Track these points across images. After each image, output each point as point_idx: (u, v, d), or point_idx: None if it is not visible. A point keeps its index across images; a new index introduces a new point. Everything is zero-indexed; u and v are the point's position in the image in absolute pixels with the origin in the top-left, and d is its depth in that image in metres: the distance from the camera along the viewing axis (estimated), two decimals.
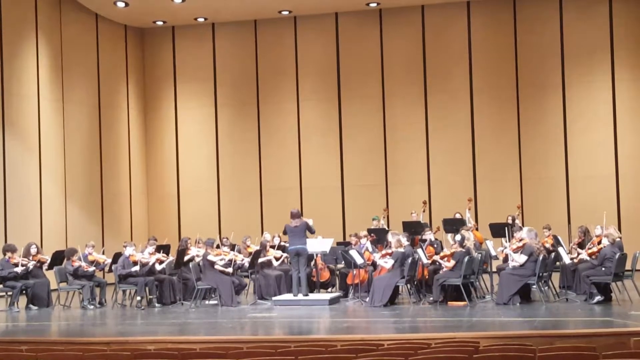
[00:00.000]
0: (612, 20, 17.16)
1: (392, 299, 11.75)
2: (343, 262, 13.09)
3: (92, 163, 17.59)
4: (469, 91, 17.84)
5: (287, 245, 13.03)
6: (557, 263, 12.42)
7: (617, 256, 11.09)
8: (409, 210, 15.16)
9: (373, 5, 17.89)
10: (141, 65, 19.26)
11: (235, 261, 12.73)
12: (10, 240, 14.11)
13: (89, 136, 17.58)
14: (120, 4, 17.15)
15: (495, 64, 17.73)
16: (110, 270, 13.40)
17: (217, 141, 19.01)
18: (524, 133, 17.59)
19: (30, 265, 12.89)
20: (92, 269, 13.11)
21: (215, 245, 12.71)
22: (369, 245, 13.02)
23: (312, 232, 12.54)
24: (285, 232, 12.62)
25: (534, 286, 11.56)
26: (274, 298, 12.49)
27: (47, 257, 13.25)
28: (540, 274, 11.37)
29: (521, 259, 11.29)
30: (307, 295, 12.22)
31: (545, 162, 17.47)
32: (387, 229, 14.51)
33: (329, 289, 13.47)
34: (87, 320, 11.63)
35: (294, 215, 12.40)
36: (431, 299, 11.85)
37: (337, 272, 13.38)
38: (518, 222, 13.95)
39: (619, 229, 14.96)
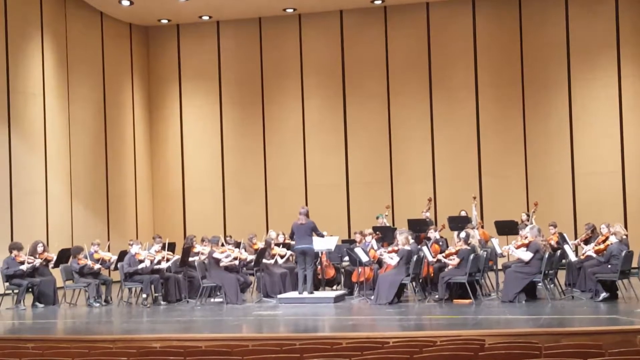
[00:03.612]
0: (618, 16, 17.10)
1: (398, 297, 11.73)
2: (348, 259, 13.08)
3: (97, 161, 17.62)
4: (474, 88, 17.80)
5: (293, 242, 13.03)
6: (563, 260, 12.39)
7: (623, 253, 11.06)
8: (413, 208, 15.14)
9: (377, 2, 17.87)
10: (146, 64, 19.27)
11: (239, 259, 12.73)
12: (17, 238, 14.16)
13: (94, 134, 17.60)
14: (125, 2, 17.16)
15: (500, 61, 17.70)
16: (115, 268, 13.42)
17: (221, 139, 19.02)
18: (529, 130, 17.55)
19: (37, 263, 12.91)
20: (97, 267, 13.13)
21: (220, 244, 12.71)
22: (374, 243, 13.00)
23: (318, 234, 12.50)
24: (292, 234, 12.57)
25: (540, 284, 11.53)
26: (278, 296, 12.49)
27: (53, 255, 13.27)
28: (546, 272, 11.34)
29: (527, 256, 11.27)
30: (312, 293, 12.21)
31: (551, 159, 17.44)
32: (391, 226, 14.49)
33: (334, 287, 13.47)
34: (93, 318, 11.65)
35: (301, 214, 12.38)
36: (436, 296, 11.84)
37: (342, 270, 13.37)
38: (525, 219, 13.92)
39: (625, 226, 14.93)
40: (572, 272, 12.44)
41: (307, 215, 12.41)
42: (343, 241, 14.48)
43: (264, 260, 13.10)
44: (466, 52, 17.81)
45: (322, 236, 12.53)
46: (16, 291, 12.76)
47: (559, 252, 12.13)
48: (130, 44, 18.78)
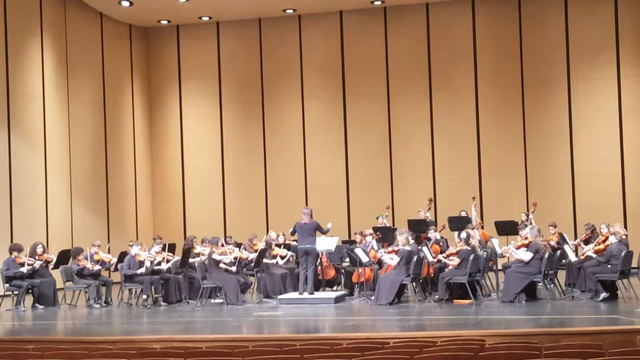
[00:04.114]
0: (618, 16, 17.11)
1: (398, 297, 11.74)
2: (348, 260, 13.08)
3: (97, 162, 17.63)
4: (473, 88, 17.81)
5: (294, 243, 13.03)
6: (563, 261, 12.39)
7: (623, 253, 11.06)
8: (414, 208, 15.13)
9: (377, 3, 17.87)
10: (146, 64, 19.28)
11: (240, 259, 12.73)
12: (16, 240, 14.16)
13: (94, 135, 17.61)
14: (125, 3, 17.16)
15: (500, 61, 17.70)
16: (115, 270, 13.42)
17: (222, 139, 19.02)
18: (529, 130, 17.56)
19: (37, 264, 12.91)
20: (97, 268, 13.14)
21: (219, 244, 12.72)
22: (374, 243, 13.00)
23: (323, 232, 12.49)
24: (293, 231, 12.57)
25: (540, 284, 11.54)
26: (279, 296, 12.49)
27: (53, 256, 13.28)
28: (546, 272, 11.35)
29: (527, 256, 11.27)
30: (312, 293, 12.21)
31: (551, 159, 17.44)
32: (392, 227, 14.49)
33: (335, 287, 13.47)
34: (93, 319, 11.65)
35: (305, 214, 12.38)
36: (437, 297, 11.84)
37: (343, 271, 13.38)
38: (525, 219, 13.93)
39: (625, 226, 14.93)
40: (572, 272, 12.44)
41: (311, 215, 12.40)
42: (343, 242, 14.48)
43: (266, 260, 13.10)
44: (466, 53, 17.82)
45: (328, 230, 12.50)
46: (16, 292, 12.76)
47: (559, 252, 12.13)
48: (130, 44, 18.79)
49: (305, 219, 12.32)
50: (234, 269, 12.48)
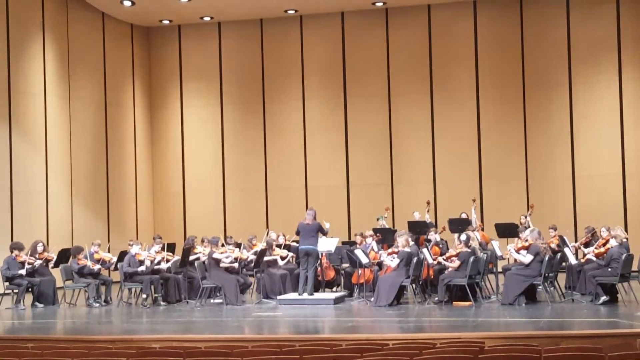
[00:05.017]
0: (619, 19, 17.10)
1: (397, 299, 11.73)
2: (348, 261, 13.08)
3: (98, 161, 17.63)
4: (474, 90, 17.80)
5: (294, 244, 13.02)
6: (563, 263, 12.39)
7: (623, 257, 11.06)
8: (414, 210, 15.13)
9: (379, 4, 17.87)
10: (147, 64, 19.28)
11: (240, 259, 12.73)
12: (17, 238, 14.17)
13: (95, 134, 17.61)
14: (127, 3, 17.16)
15: (501, 63, 17.70)
16: (115, 269, 13.42)
17: (222, 139, 19.02)
18: (530, 132, 17.55)
19: (37, 264, 12.91)
20: (97, 267, 13.14)
21: (219, 244, 12.72)
22: (374, 244, 13.01)
23: (324, 233, 12.50)
24: (298, 232, 12.57)
25: (540, 286, 11.54)
26: (278, 297, 12.49)
27: (53, 255, 13.28)
28: (546, 275, 11.35)
29: (527, 258, 11.27)
30: (311, 294, 12.21)
31: (551, 162, 17.43)
32: (392, 228, 14.49)
33: (334, 289, 13.47)
34: (93, 318, 11.65)
35: (308, 214, 12.38)
36: (436, 298, 11.84)
37: (342, 272, 13.37)
38: (524, 221, 13.93)
39: (625, 229, 14.92)
40: (572, 275, 12.44)
41: (314, 217, 12.39)
42: (343, 243, 14.48)
43: (267, 258, 13.09)
44: (467, 54, 17.81)
45: (327, 230, 12.49)
46: (16, 291, 12.77)
47: (559, 254, 12.13)
48: (132, 44, 18.79)
49: (308, 220, 12.33)
50: (236, 265, 12.47)
